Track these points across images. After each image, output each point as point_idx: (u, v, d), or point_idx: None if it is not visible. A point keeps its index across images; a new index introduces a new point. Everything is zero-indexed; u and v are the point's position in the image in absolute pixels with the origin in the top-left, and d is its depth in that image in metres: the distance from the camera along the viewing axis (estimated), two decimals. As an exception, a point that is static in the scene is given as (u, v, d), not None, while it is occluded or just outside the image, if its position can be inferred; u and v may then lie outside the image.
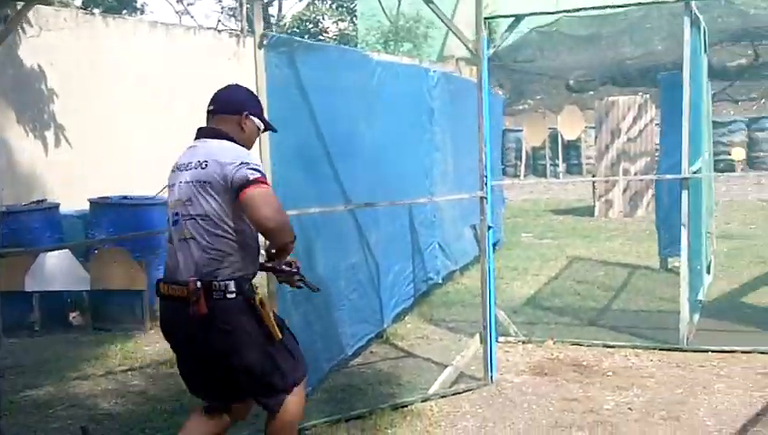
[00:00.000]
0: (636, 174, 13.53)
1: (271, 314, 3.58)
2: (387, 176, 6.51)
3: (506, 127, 20.61)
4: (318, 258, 5.42)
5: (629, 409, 5.03)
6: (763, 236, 10.91)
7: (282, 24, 25.71)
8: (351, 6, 23.80)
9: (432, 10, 4.90)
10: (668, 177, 6.78)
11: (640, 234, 11.43)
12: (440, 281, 8.29)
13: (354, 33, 22.37)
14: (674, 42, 17.60)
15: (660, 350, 6.14)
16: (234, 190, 3.43)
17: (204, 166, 3.50)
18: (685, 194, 5.91)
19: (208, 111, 3.70)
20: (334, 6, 26.16)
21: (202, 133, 3.67)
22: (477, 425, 4.89)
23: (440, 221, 8.20)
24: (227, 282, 3.47)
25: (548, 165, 19.73)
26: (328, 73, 5.46)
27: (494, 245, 10.55)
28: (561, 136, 19.42)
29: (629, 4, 6.84)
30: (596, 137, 14.27)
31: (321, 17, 24.94)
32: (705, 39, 7.92)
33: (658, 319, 6.97)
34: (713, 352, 5.99)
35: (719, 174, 17.69)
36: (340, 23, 25.06)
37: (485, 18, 6.18)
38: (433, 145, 7.84)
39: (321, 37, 24.09)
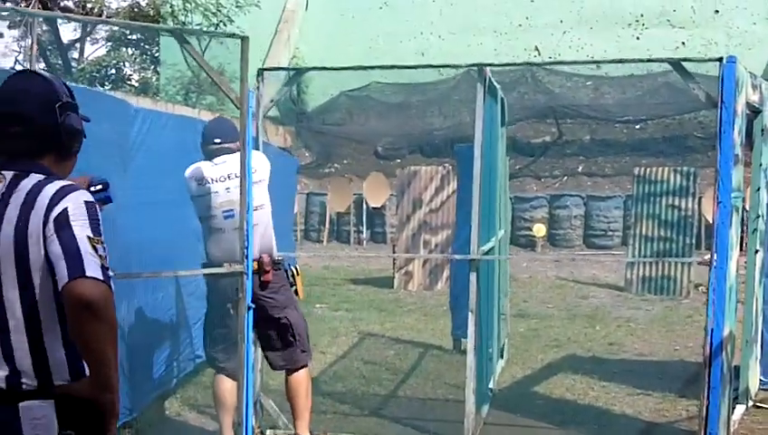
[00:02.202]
0: (437, 246, 13.14)
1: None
2: (147, 239, 5.63)
3: (310, 190, 20.03)
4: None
5: None
6: (559, 317, 10.66)
7: (80, 68, 24.38)
8: (155, 55, 22.74)
9: (190, 55, 4.14)
10: (457, 257, 6.24)
11: (438, 309, 10.93)
12: (210, 359, 7.39)
13: (157, 83, 21.29)
14: (480, 115, 17.64)
15: (444, 448, 5.54)
16: None
17: (255, 170, 4.95)
18: (473, 276, 5.35)
19: (217, 144, 5.21)
20: (137, 53, 25.00)
21: (221, 154, 5.19)
22: None
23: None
24: (277, 257, 5.15)
25: (352, 231, 19.24)
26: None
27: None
28: (366, 202, 18.99)
29: (419, 66, 6.33)
30: (397, 206, 13.80)
31: (122, 64, 23.76)
32: (504, 111, 7.53)
33: (445, 409, 6.38)
34: (500, 452, 5.44)
35: (520, 249, 17.81)
36: (142, 71, 23.93)
37: (262, 69, 5.52)
38: (208, 206, 6.97)
39: (121, 84, 22.87)
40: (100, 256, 2.33)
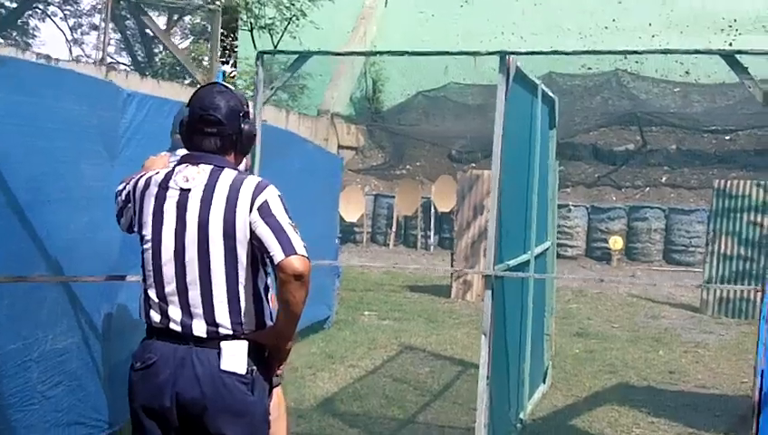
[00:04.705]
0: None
1: None
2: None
3: (379, 192, 19.50)
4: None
5: None
6: (622, 339, 9.84)
7: (160, 59, 24.53)
8: (234, 48, 22.76)
9: (149, 27, 3.62)
10: (471, 272, 5.58)
11: (492, 323, 10.24)
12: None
13: (233, 76, 21.19)
14: (567, 118, 16.85)
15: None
16: None
17: None
18: (488, 294, 4.68)
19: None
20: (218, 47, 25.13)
21: None
22: None
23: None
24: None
25: (419, 236, 18.62)
26: (31, 100, 4.12)
27: (323, 322, 9.31)
28: (435, 206, 18.35)
29: (441, 53, 5.66)
30: (457, 211, 13.06)
31: (201, 57, 23.80)
32: (554, 112, 6.84)
33: (464, 441, 5.75)
34: (512, 497, 4.78)
35: (594, 262, 16.97)
36: (223, 65, 23.89)
37: (261, 53, 4.97)
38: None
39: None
40: (300, 237, 2.93)
